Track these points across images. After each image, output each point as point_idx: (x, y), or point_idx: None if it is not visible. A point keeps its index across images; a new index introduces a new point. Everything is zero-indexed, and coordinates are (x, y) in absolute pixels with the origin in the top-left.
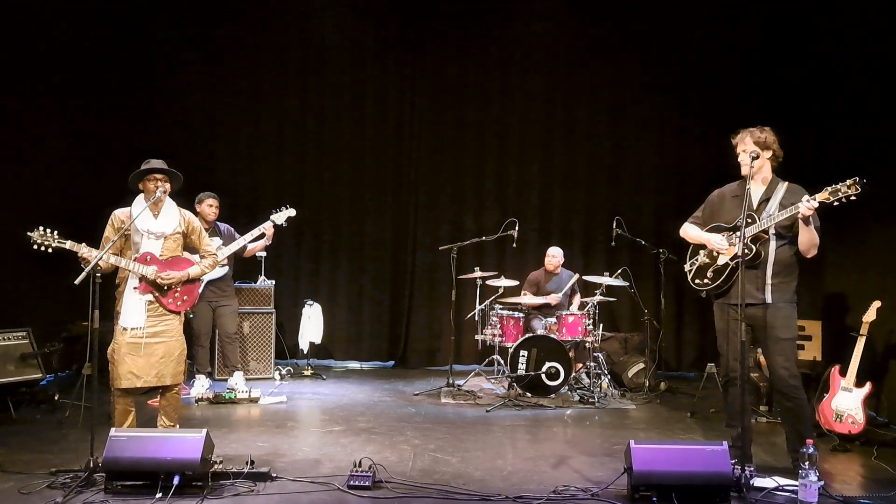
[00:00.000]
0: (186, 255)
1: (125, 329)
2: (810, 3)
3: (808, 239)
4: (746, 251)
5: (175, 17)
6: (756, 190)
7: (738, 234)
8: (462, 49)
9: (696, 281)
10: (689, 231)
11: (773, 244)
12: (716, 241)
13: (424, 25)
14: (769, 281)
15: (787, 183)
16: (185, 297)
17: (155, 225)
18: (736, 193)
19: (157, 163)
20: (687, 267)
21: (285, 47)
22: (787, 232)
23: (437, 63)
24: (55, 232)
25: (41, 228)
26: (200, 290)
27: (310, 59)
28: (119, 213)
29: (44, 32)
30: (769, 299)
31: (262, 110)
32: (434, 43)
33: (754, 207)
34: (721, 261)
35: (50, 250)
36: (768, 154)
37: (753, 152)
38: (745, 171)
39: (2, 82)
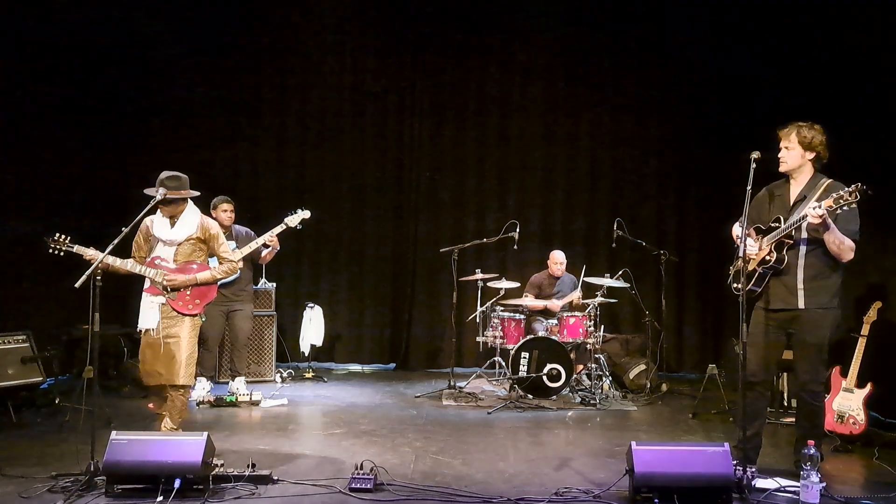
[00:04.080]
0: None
1: (141, 330)
2: (812, 5)
3: (832, 243)
4: (768, 257)
5: (175, 19)
6: (793, 189)
7: (767, 237)
8: (463, 51)
9: (735, 285)
10: (734, 231)
11: (802, 248)
12: (747, 244)
13: (425, 27)
14: (800, 286)
15: (828, 181)
16: (196, 301)
17: (167, 232)
18: (779, 192)
19: (165, 176)
20: (730, 269)
21: (286, 49)
22: (820, 235)
23: (437, 65)
24: (67, 238)
25: (56, 234)
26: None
27: (311, 60)
28: (146, 220)
29: (44, 35)
30: (801, 304)
31: (263, 112)
32: (435, 45)
33: (789, 207)
34: (752, 265)
35: (62, 254)
36: (811, 155)
37: (755, 154)
38: (783, 167)
39: (8, 87)
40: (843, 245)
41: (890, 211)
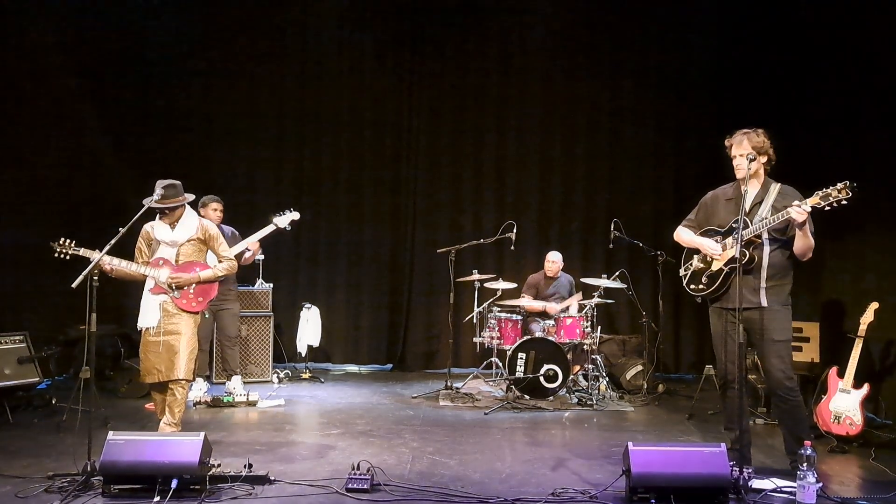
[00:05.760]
0: (212, 259)
1: (141, 329)
2: (807, 6)
3: (804, 243)
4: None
5: (173, 20)
6: (749, 193)
7: (733, 237)
8: (461, 51)
9: (692, 286)
10: (683, 235)
11: (766, 248)
12: (709, 245)
13: (423, 27)
14: (763, 284)
15: (779, 185)
16: (199, 298)
17: (168, 235)
18: (729, 196)
19: (161, 185)
20: (682, 272)
21: (284, 49)
22: (781, 235)
23: (435, 65)
24: (72, 242)
25: (61, 239)
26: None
27: (308, 61)
28: (146, 226)
29: (43, 37)
30: (764, 303)
31: (260, 112)
32: (433, 45)
33: (747, 211)
34: (715, 266)
35: (67, 258)
36: (764, 158)
37: (751, 154)
38: (741, 174)
39: (5, 90)
40: (810, 244)
41: (888, 210)
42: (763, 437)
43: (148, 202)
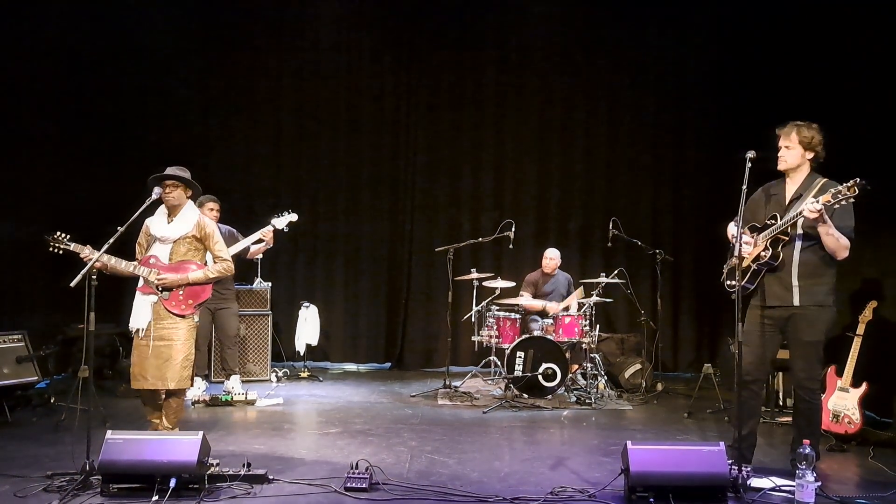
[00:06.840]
0: (208, 259)
1: (132, 330)
2: (808, 5)
3: (829, 241)
4: (764, 252)
5: (170, 18)
6: (789, 188)
7: (762, 234)
8: (459, 50)
9: (728, 282)
10: (729, 230)
11: (797, 245)
12: (743, 242)
13: (421, 27)
14: (795, 283)
15: (823, 180)
16: (189, 301)
17: (163, 230)
18: (775, 192)
19: (170, 169)
20: (725, 268)
21: (282, 49)
22: (816, 232)
23: (433, 64)
24: (67, 236)
25: (56, 233)
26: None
27: (306, 60)
28: (147, 220)
29: (38, 34)
30: (796, 302)
31: (259, 112)
32: (431, 44)
33: (785, 205)
34: (747, 262)
35: (60, 252)
36: (810, 154)
37: (751, 153)
38: (783, 165)
39: (1, 88)
40: (839, 242)
41: (886, 209)
42: (762, 435)
43: (155, 190)
